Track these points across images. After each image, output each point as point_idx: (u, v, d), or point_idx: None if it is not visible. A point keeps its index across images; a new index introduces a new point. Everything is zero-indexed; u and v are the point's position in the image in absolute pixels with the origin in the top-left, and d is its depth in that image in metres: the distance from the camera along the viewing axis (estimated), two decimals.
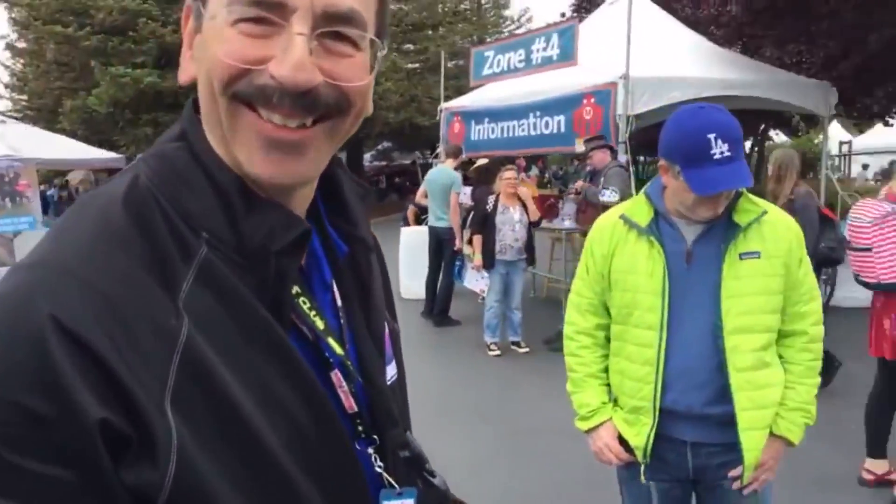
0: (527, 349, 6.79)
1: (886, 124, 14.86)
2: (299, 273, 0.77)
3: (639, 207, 2.05)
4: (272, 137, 0.69)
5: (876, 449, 3.84)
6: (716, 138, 1.79)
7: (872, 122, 14.81)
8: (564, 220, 8.38)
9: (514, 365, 6.47)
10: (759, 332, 1.94)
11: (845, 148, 18.97)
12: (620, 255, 2.05)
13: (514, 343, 6.86)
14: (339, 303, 0.83)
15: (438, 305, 7.88)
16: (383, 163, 31.86)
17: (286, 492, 0.67)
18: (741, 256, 1.92)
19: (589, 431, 2.16)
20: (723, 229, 1.95)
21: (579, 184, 7.04)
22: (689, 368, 1.96)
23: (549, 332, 7.03)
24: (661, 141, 1.94)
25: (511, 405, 5.45)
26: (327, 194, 0.85)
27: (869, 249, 3.50)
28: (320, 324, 0.76)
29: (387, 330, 0.91)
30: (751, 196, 1.99)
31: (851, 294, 6.07)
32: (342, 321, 0.82)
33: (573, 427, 2.20)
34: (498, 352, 6.72)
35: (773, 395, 1.96)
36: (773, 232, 1.95)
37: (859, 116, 13.09)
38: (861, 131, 18.52)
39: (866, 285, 3.64)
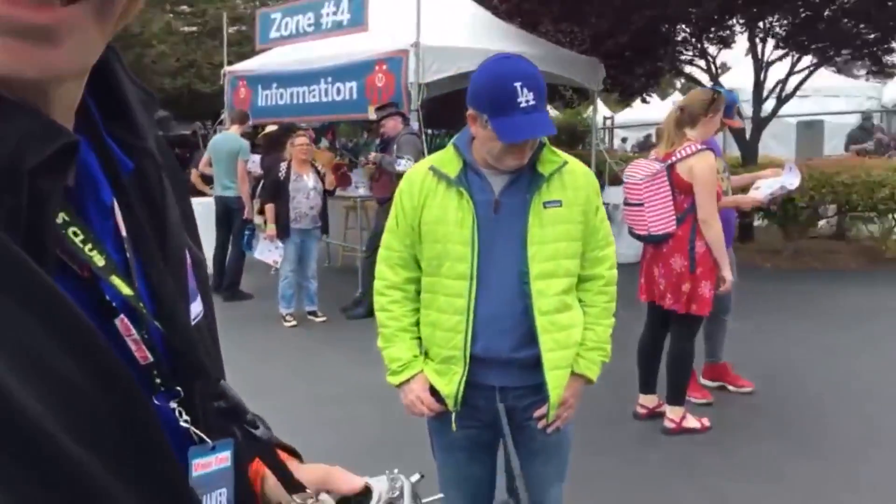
0: (324, 318, 6.71)
1: (644, 101, 16.51)
2: (67, 196, 0.59)
3: (448, 158, 2.06)
4: (2, 18, 0.50)
5: (646, 386, 4.28)
6: (522, 87, 1.83)
7: (633, 98, 16.30)
8: (358, 188, 8.35)
9: (312, 335, 6.38)
10: (562, 276, 2.04)
11: (609, 122, 20.83)
12: (430, 207, 2.04)
13: (310, 313, 6.75)
14: (124, 232, 0.67)
15: (228, 279, 7.53)
16: (159, 132, 29.74)
17: (63, 475, 0.51)
18: (545, 205, 2.00)
19: (400, 385, 2.15)
20: (528, 179, 2.01)
21: (373, 155, 7.02)
22: (498, 314, 2.02)
23: (346, 300, 7.00)
24: (469, 91, 1.96)
25: (311, 375, 5.35)
26: (101, 95, 0.67)
27: (641, 204, 3.83)
28: (99, 260, 0.60)
29: (189, 260, 0.76)
30: (553, 148, 2.07)
31: (620, 251, 6.64)
32: (128, 254, 0.67)
33: (374, 391, 2.18)
34: (294, 322, 6.58)
35: (575, 336, 2.07)
36: (574, 181, 2.05)
37: (622, 93, 14.33)
38: (629, 105, 20.35)
39: (638, 237, 3.99)
